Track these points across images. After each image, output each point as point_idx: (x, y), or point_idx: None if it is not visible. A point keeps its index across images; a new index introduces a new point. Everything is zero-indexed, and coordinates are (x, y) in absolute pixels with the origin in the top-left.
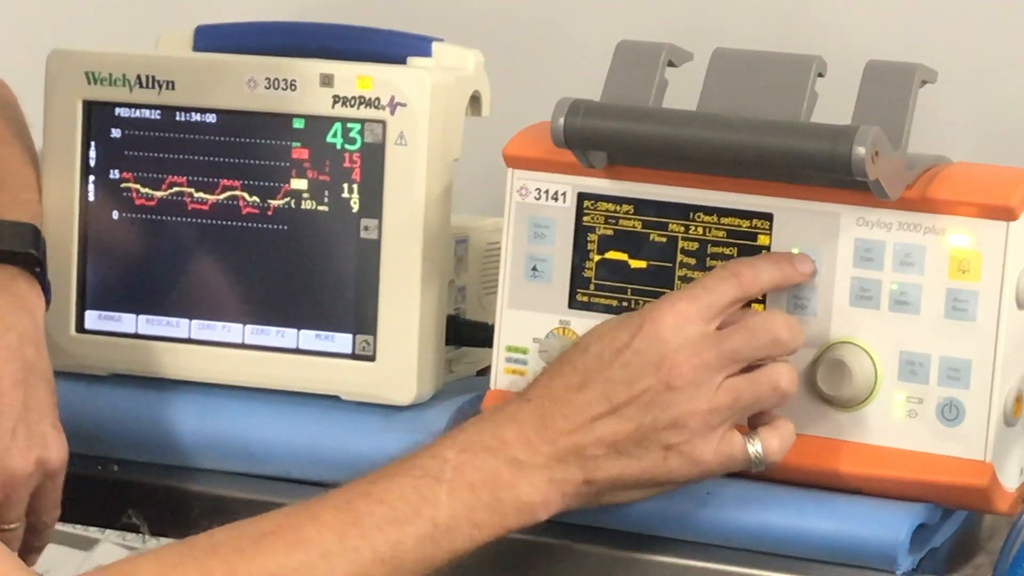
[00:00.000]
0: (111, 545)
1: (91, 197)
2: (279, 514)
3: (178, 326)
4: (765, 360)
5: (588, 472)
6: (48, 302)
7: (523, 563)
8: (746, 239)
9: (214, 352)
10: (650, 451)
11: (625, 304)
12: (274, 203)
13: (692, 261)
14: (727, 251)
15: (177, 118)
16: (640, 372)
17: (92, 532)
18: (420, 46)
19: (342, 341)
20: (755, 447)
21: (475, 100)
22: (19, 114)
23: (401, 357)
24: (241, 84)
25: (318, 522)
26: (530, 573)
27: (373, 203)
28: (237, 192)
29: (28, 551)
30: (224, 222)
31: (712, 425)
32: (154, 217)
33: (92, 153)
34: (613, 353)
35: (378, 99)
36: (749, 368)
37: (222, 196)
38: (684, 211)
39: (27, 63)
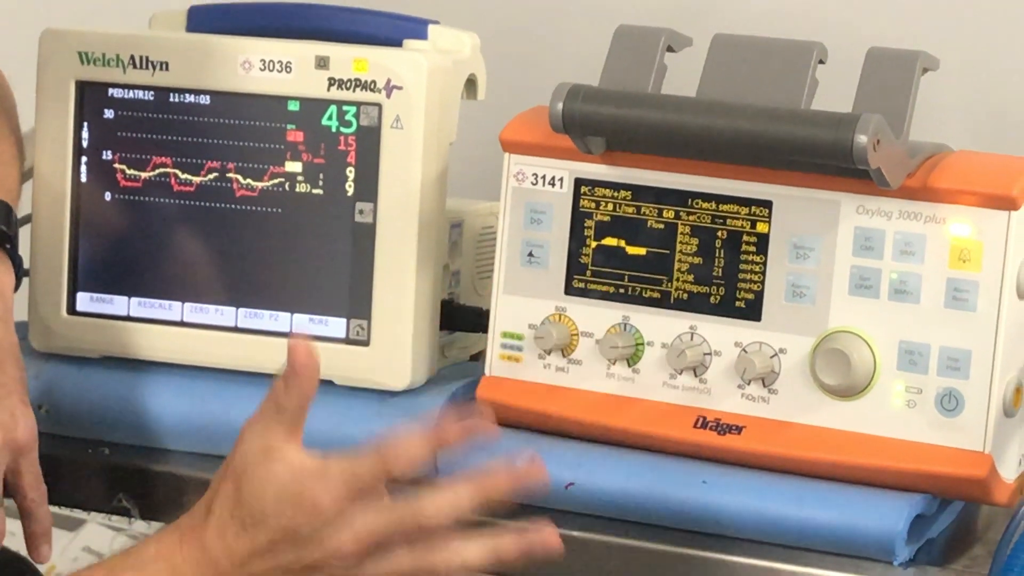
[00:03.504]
0: (97, 526)
1: (83, 178)
2: None
3: (170, 309)
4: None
5: None
6: (19, 279)
7: None
8: (745, 226)
9: (206, 335)
10: None
11: (622, 290)
12: (268, 186)
13: (690, 248)
14: (725, 238)
15: (171, 99)
16: (284, 510)
17: (78, 513)
18: (416, 29)
19: (336, 325)
20: None
21: (471, 83)
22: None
23: (395, 342)
24: (236, 65)
25: None
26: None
27: (368, 187)
28: (231, 174)
29: (34, 543)
30: (218, 204)
31: (360, 554)
32: (146, 199)
33: (85, 134)
34: (263, 496)
35: (374, 82)
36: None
37: (213, 178)
38: (683, 198)
39: (20, 42)
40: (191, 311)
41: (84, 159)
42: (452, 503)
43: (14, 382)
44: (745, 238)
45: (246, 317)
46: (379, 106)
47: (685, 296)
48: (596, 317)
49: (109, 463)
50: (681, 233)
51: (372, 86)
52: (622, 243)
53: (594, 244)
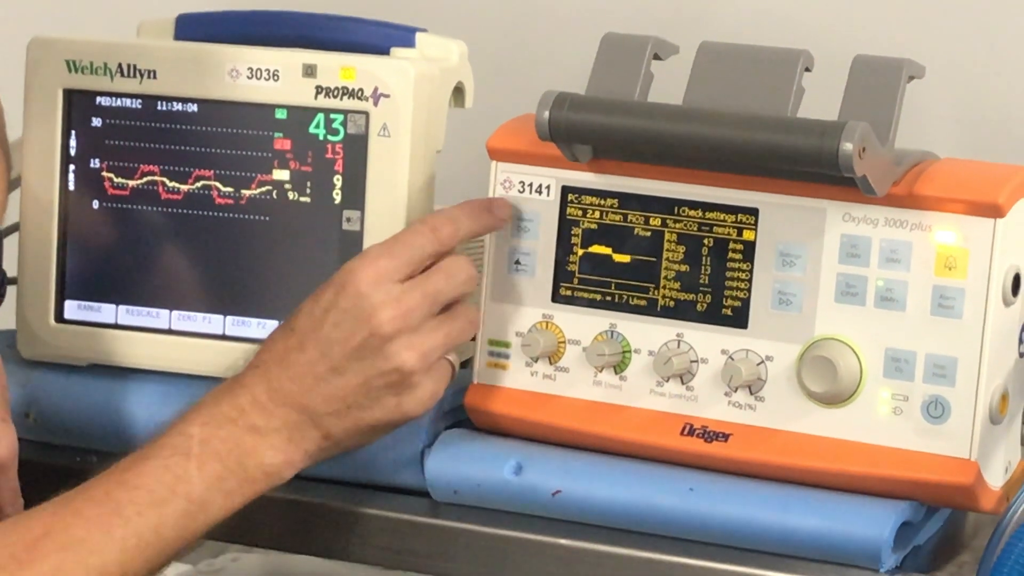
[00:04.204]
0: None
1: (71, 186)
2: (45, 512)
3: (158, 316)
4: (460, 298)
5: (324, 428)
6: (2, 294)
7: (502, 558)
8: (731, 234)
9: (194, 343)
10: (380, 399)
11: (609, 298)
12: (255, 194)
13: (676, 256)
14: (711, 245)
15: (159, 107)
16: (351, 328)
17: None
18: (404, 37)
19: None
20: (453, 358)
21: (458, 91)
22: None
23: None
24: (223, 74)
25: (83, 519)
26: (509, 568)
27: (355, 195)
28: (218, 183)
29: None
30: (205, 213)
31: (431, 361)
32: (133, 207)
33: (72, 142)
34: (322, 313)
35: (361, 90)
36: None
37: (201, 186)
38: (669, 205)
39: (7, 50)
40: (179, 319)
41: (72, 167)
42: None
43: None
44: (731, 246)
45: (234, 325)
46: (366, 114)
47: (672, 304)
48: (583, 325)
49: (96, 471)
50: (668, 241)
51: (359, 94)
52: (609, 251)
53: (581, 252)
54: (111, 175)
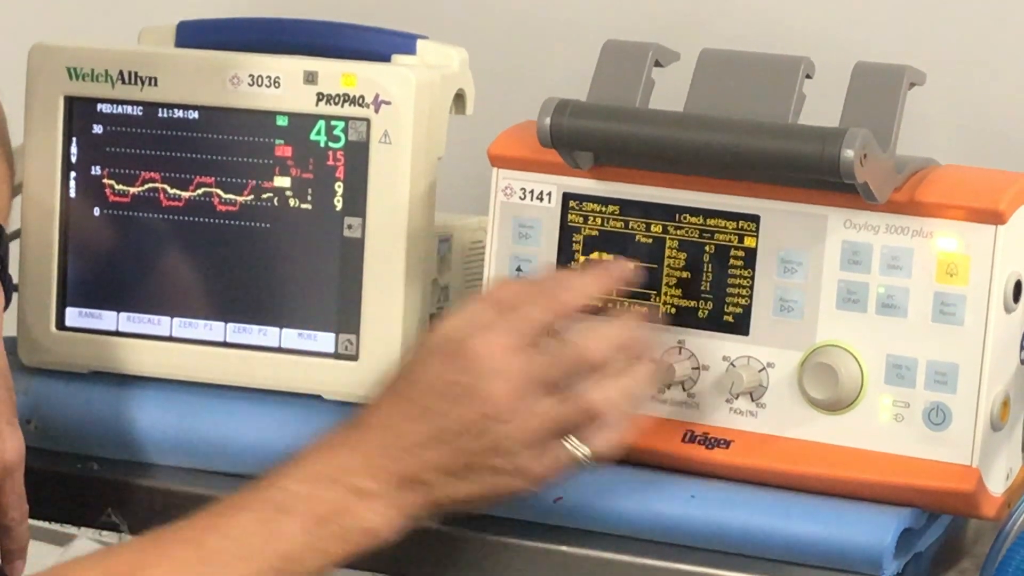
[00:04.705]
0: (87, 541)
1: (72, 193)
2: (130, 550)
3: (159, 324)
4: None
5: (428, 495)
6: (8, 300)
7: (504, 565)
8: (733, 241)
9: (195, 350)
10: (481, 474)
11: (610, 304)
12: (256, 201)
13: (678, 262)
14: (713, 252)
15: (159, 114)
16: (457, 402)
17: (67, 528)
18: (405, 44)
19: (325, 340)
20: (581, 450)
21: (459, 98)
22: None
23: (384, 357)
24: (224, 81)
25: (168, 561)
26: (511, 575)
27: (357, 201)
28: (219, 189)
29: (9, 558)
30: (206, 220)
31: (532, 445)
32: (135, 214)
33: (73, 149)
34: (431, 383)
35: (362, 97)
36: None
37: (202, 193)
38: (670, 212)
39: (9, 57)
40: (180, 326)
41: (73, 174)
42: (621, 391)
43: (2, 402)
44: (733, 252)
45: (235, 332)
46: (367, 121)
47: (673, 310)
48: None
49: (98, 478)
50: (669, 247)
51: (360, 101)
52: (610, 258)
53: (582, 259)
54: (112, 182)
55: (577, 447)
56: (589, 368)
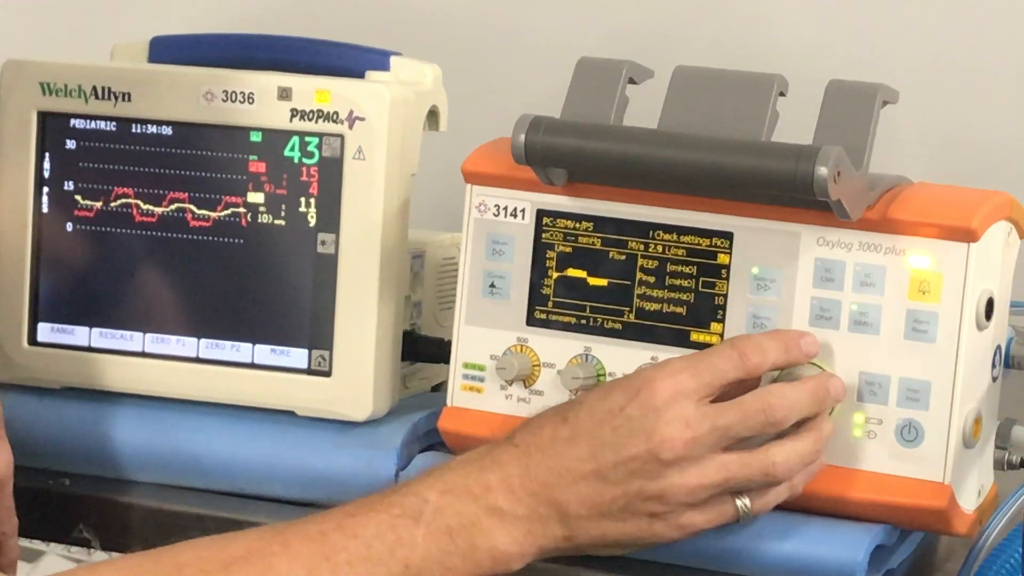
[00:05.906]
0: (56, 557)
1: (45, 208)
2: (249, 537)
3: (131, 339)
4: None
5: (569, 529)
6: None
7: None
8: (706, 258)
9: (168, 366)
10: (635, 516)
11: (583, 322)
12: (230, 217)
13: (651, 279)
14: (686, 269)
15: (133, 130)
16: (630, 438)
17: (37, 544)
18: (378, 60)
19: (298, 356)
20: (743, 503)
21: (433, 115)
22: None
23: (357, 373)
24: (198, 96)
25: (289, 552)
26: None
27: (330, 217)
28: (193, 205)
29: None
30: (179, 235)
31: (700, 498)
32: (107, 229)
33: (46, 164)
34: (606, 413)
35: (336, 113)
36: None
37: (175, 209)
38: (644, 229)
39: None
40: (152, 342)
41: (46, 189)
42: (801, 456)
43: None
44: (706, 269)
45: (207, 348)
46: (341, 137)
47: (646, 327)
48: (558, 348)
49: (70, 494)
50: (642, 264)
51: (334, 117)
52: (583, 274)
53: (556, 275)
54: (84, 198)
55: (746, 505)
56: (772, 428)
